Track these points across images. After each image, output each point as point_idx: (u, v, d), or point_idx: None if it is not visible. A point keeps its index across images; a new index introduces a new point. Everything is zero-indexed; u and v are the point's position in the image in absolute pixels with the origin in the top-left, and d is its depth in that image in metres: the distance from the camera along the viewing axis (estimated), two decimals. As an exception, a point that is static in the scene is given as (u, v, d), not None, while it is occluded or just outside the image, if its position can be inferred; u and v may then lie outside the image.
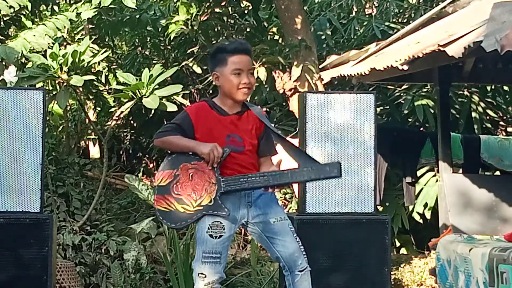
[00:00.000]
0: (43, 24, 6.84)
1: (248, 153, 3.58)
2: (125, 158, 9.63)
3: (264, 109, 7.83)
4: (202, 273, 3.49)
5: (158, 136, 3.57)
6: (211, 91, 8.31)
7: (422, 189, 6.79)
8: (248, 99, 3.72)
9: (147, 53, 9.47)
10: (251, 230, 3.62)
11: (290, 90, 6.56)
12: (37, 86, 5.83)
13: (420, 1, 9.16)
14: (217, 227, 3.47)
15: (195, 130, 3.54)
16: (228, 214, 3.45)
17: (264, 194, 3.58)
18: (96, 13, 7.23)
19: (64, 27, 7.09)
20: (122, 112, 6.46)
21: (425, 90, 7.46)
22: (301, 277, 3.54)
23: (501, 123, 7.99)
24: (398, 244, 7.14)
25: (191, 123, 3.54)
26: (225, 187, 3.45)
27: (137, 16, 8.23)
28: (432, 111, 7.06)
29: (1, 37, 7.26)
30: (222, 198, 3.46)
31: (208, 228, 3.47)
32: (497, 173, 6.35)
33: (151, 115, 8.53)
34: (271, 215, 3.56)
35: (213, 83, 3.63)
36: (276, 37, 8.84)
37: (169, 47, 9.00)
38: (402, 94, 7.55)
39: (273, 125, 3.68)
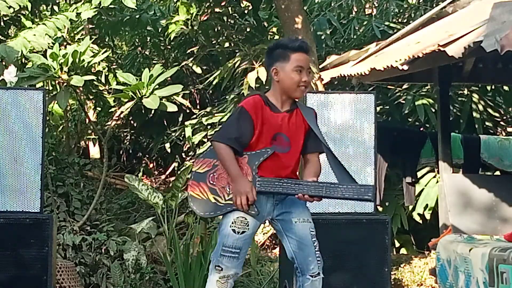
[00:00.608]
0: (43, 24, 6.85)
1: (293, 153, 3.55)
2: (125, 158, 9.64)
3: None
4: (219, 266, 3.48)
5: (218, 139, 3.51)
6: (211, 91, 8.32)
7: (422, 190, 6.79)
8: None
9: (147, 53, 9.48)
10: (274, 225, 3.62)
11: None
12: (37, 86, 5.83)
13: (420, 1, 9.16)
14: (241, 223, 3.46)
15: (255, 126, 3.49)
16: (257, 214, 3.45)
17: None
18: (96, 13, 7.24)
19: (64, 27, 7.09)
20: (122, 112, 6.46)
21: (425, 90, 7.46)
22: (312, 282, 3.53)
23: (501, 123, 7.99)
24: (398, 244, 7.14)
25: (252, 122, 3.49)
26: (259, 187, 3.44)
27: (137, 16, 8.24)
28: (433, 110, 7.06)
29: (1, 37, 7.27)
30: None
31: (232, 223, 3.46)
32: (497, 173, 6.35)
33: (151, 115, 8.53)
34: (294, 215, 3.55)
35: (273, 77, 3.57)
36: (276, 37, 8.84)
37: (169, 47, 9.01)
38: (402, 94, 7.55)
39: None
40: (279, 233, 3.63)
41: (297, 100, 3.62)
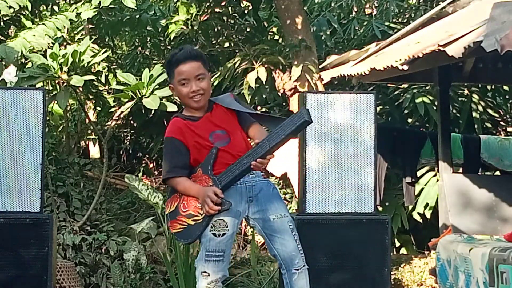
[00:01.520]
0: (43, 24, 6.84)
1: (236, 142, 3.58)
2: (125, 158, 9.64)
3: (262, 109, 7.83)
4: (205, 272, 3.50)
5: (167, 177, 3.59)
6: (211, 91, 8.31)
7: (422, 189, 6.79)
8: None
9: (147, 53, 9.47)
10: (252, 224, 3.64)
11: (290, 90, 6.57)
12: (37, 86, 5.83)
13: (420, 1, 9.16)
14: (220, 225, 3.49)
15: (187, 144, 3.56)
16: (230, 205, 3.46)
17: (266, 189, 3.60)
18: (96, 13, 7.23)
19: (64, 27, 7.09)
20: (122, 112, 6.46)
21: (425, 88, 7.46)
22: (298, 275, 3.56)
23: (501, 123, 7.99)
24: (398, 244, 7.14)
25: (182, 143, 3.56)
26: (220, 183, 3.47)
27: (137, 16, 8.24)
28: (434, 107, 7.06)
29: (1, 37, 7.26)
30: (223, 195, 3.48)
31: (211, 227, 3.49)
32: (497, 173, 6.35)
33: (151, 115, 8.53)
34: (271, 212, 3.57)
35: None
36: (276, 37, 8.84)
37: (169, 47, 9.00)
38: (402, 94, 7.55)
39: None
40: (259, 232, 3.64)
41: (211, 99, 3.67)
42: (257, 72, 6.59)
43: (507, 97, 8.07)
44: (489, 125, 7.70)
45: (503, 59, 5.71)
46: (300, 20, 6.64)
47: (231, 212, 3.50)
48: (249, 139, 3.68)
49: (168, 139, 3.61)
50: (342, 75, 6.03)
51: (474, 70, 6.01)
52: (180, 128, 3.59)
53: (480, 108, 7.58)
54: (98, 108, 8.26)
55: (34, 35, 6.62)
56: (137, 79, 6.11)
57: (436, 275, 5.27)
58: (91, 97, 6.95)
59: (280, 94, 6.89)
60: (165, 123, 8.69)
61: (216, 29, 8.16)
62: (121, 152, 9.63)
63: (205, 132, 3.57)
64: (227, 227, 3.49)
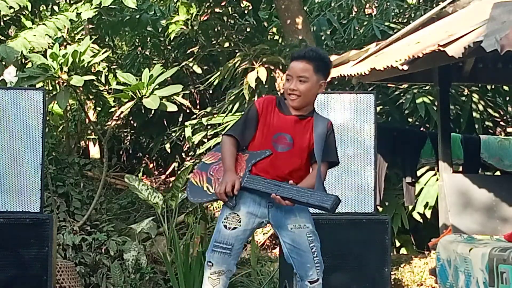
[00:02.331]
0: (43, 24, 6.85)
1: (294, 154, 3.54)
2: (125, 158, 9.64)
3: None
4: (210, 261, 3.52)
5: (225, 133, 3.65)
6: (211, 91, 8.33)
7: (422, 188, 6.79)
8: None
9: (147, 53, 9.48)
10: (274, 229, 3.64)
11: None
12: (37, 86, 5.83)
13: (420, 1, 9.16)
14: (233, 219, 3.50)
15: (259, 120, 3.58)
16: (233, 206, 3.47)
17: None
18: (96, 13, 7.23)
19: (64, 27, 7.09)
20: (122, 112, 6.46)
21: (426, 88, 7.46)
22: None
23: (501, 123, 7.99)
24: (398, 244, 7.14)
25: (257, 115, 3.58)
26: (245, 183, 3.48)
27: (137, 16, 8.25)
28: (434, 108, 7.05)
29: (1, 37, 7.27)
30: (241, 192, 3.48)
31: (225, 219, 3.51)
32: (497, 173, 6.35)
33: (151, 115, 8.53)
34: (290, 221, 3.54)
35: None
36: (276, 37, 8.85)
37: (169, 47, 9.01)
38: (402, 95, 7.55)
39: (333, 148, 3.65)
40: (279, 238, 3.65)
41: (315, 110, 3.64)
42: (257, 72, 6.59)
43: (507, 97, 8.07)
44: (489, 125, 7.70)
45: (503, 59, 5.70)
46: (300, 20, 6.64)
47: (246, 210, 3.50)
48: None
49: (252, 106, 3.64)
50: (342, 75, 6.02)
51: (474, 70, 6.01)
52: (267, 106, 3.60)
53: (480, 108, 7.58)
54: (98, 108, 8.26)
55: (34, 35, 6.62)
56: (137, 79, 6.11)
57: (436, 275, 5.27)
58: (91, 97, 6.96)
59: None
60: (165, 123, 8.70)
61: (216, 29, 8.17)
62: (121, 152, 9.63)
63: (278, 128, 3.56)
64: (239, 222, 3.49)
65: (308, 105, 3.60)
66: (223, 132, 3.67)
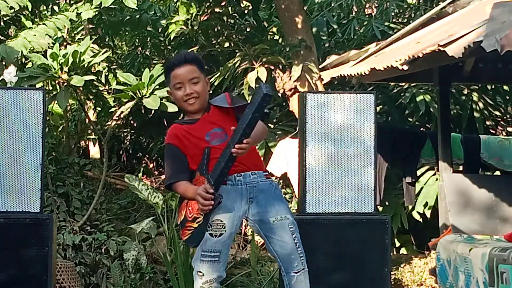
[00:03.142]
0: (43, 24, 6.85)
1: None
2: (125, 158, 9.64)
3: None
4: (200, 271, 3.51)
5: (167, 187, 3.66)
6: (211, 91, 8.32)
7: (422, 188, 6.79)
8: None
9: (147, 53, 9.48)
10: (251, 225, 3.64)
11: (290, 90, 6.57)
12: (37, 86, 5.83)
13: (420, 1, 9.16)
14: (217, 226, 3.49)
15: (185, 152, 3.59)
16: (221, 198, 3.44)
17: (267, 190, 3.59)
18: (96, 13, 7.23)
19: (64, 27, 7.09)
20: (122, 112, 6.46)
21: (426, 89, 7.47)
22: (297, 278, 3.56)
23: (502, 122, 7.99)
24: (398, 244, 7.14)
25: (178, 150, 3.59)
26: (212, 179, 3.47)
27: (138, 16, 8.25)
28: (435, 105, 7.06)
29: (1, 37, 7.27)
30: (219, 192, 3.47)
31: (209, 227, 3.49)
32: (497, 173, 6.35)
33: (151, 115, 8.54)
34: (271, 214, 3.55)
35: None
36: (276, 37, 8.85)
37: (169, 47, 9.01)
38: (402, 94, 7.55)
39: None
40: (258, 233, 3.64)
41: (209, 101, 3.67)
42: (257, 72, 6.59)
43: (507, 97, 8.07)
44: (489, 124, 7.70)
45: (503, 59, 5.70)
46: (300, 20, 6.64)
47: (229, 213, 3.49)
48: None
49: (166, 146, 3.67)
50: (342, 75, 6.02)
51: (474, 70, 6.01)
52: (176, 134, 3.62)
53: (480, 108, 7.59)
54: (98, 108, 8.26)
55: (35, 35, 6.62)
56: (137, 79, 6.11)
57: (436, 275, 5.27)
58: (91, 97, 6.95)
59: (280, 94, 6.89)
60: (165, 123, 8.70)
61: (216, 29, 8.17)
62: (121, 152, 9.63)
63: (202, 132, 3.58)
64: (224, 227, 3.49)
65: (205, 105, 3.64)
66: (167, 185, 3.66)
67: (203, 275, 3.50)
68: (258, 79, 6.59)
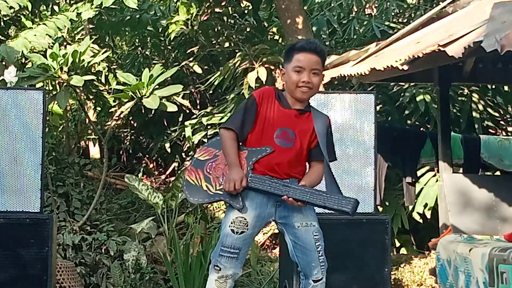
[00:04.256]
0: (44, 24, 6.85)
1: (296, 150, 3.50)
2: (125, 158, 9.64)
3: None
4: (217, 266, 3.48)
5: (223, 125, 3.56)
6: (211, 91, 8.33)
7: (422, 189, 6.79)
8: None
9: (147, 53, 9.49)
10: (279, 228, 3.60)
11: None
12: (37, 86, 5.83)
13: (420, 1, 9.16)
14: (240, 223, 3.45)
15: (258, 112, 3.50)
16: (240, 208, 3.42)
17: None
18: (96, 13, 7.24)
19: (65, 27, 7.09)
20: (122, 112, 6.46)
21: (426, 89, 7.47)
22: (313, 287, 3.53)
23: (501, 122, 7.99)
24: (398, 244, 7.14)
25: (256, 107, 3.50)
26: (250, 183, 3.42)
27: (138, 16, 8.25)
28: (435, 105, 7.06)
29: (2, 37, 7.27)
30: (246, 192, 3.44)
31: (231, 223, 3.45)
32: (497, 173, 6.35)
33: (151, 115, 8.54)
34: (296, 219, 3.51)
35: (282, 78, 3.60)
36: (276, 37, 8.85)
37: (169, 47, 9.01)
38: (402, 94, 7.55)
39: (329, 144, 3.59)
40: (284, 237, 3.61)
41: (311, 104, 3.60)
42: (257, 72, 6.60)
43: (507, 97, 8.07)
44: (489, 125, 7.70)
45: (503, 59, 5.70)
46: (300, 20, 6.64)
47: (254, 212, 3.45)
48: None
49: (250, 98, 3.56)
50: (342, 75, 6.02)
51: (474, 70, 6.00)
52: (267, 98, 3.53)
53: (480, 108, 7.59)
54: (98, 108, 8.27)
55: (35, 35, 6.63)
56: (137, 79, 6.11)
57: (436, 275, 5.27)
58: (91, 97, 6.96)
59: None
60: (165, 123, 8.71)
61: (216, 29, 8.17)
62: (121, 152, 9.63)
63: (280, 122, 3.49)
64: (247, 226, 3.45)
65: (309, 99, 3.58)
66: (220, 125, 3.57)
67: (220, 269, 3.47)
68: (258, 79, 6.60)
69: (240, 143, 3.52)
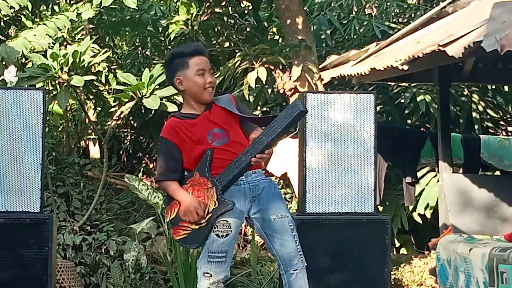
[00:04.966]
0: (44, 24, 6.85)
1: (234, 141, 3.56)
2: (125, 158, 9.64)
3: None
4: (207, 273, 3.50)
5: (159, 179, 3.64)
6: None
7: (423, 189, 6.79)
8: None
9: (147, 53, 9.48)
10: (251, 223, 3.64)
11: (290, 90, 6.57)
12: (37, 86, 5.83)
13: (420, 1, 9.16)
14: (224, 226, 3.48)
15: (181, 148, 3.56)
16: (233, 205, 3.46)
17: (268, 188, 3.59)
18: (96, 13, 7.23)
19: (65, 27, 7.09)
20: (122, 112, 6.46)
21: (427, 89, 7.47)
22: (296, 275, 3.57)
23: (501, 123, 7.99)
24: (398, 244, 7.14)
25: (175, 147, 3.56)
26: (220, 183, 3.47)
27: (138, 16, 8.25)
28: (435, 105, 7.06)
29: (2, 37, 7.27)
30: (225, 196, 3.48)
31: (215, 228, 3.49)
32: (497, 173, 6.35)
33: (151, 115, 8.54)
34: (272, 212, 3.56)
35: (178, 87, 3.64)
36: (276, 37, 8.85)
37: (170, 47, 9.00)
38: (402, 94, 7.55)
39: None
40: (258, 232, 3.64)
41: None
42: (257, 72, 6.59)
43: (507, 97, 8.07)
44: (489, 125, 7.70)
45: (503, 59, 5.71)
46: (300, 20, 6.64)
47: (234, 213, 3.49)
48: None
49: (162, 140, 3.64)
50: (342, 75, 6.02)
51: (474, 70, 6.01)
52: (174, 129, 3.58)
53: (480, 108, 7.58)
54: (98, 108, 8.27)
55: (35, 35, 6.62)
56: (137, 79, 6.11)
57: (436, 275, 5.27)
58: (91, 97, 6.96)
59: (280, 94, 6.89)
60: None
61: (216, 29, 8.17)
62: (121, 152, 9.63)
63: (203, 131, 3.56)
64: (230, 228, 3.49)
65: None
66: (157, 179, 3.65)
67: (211, 276, 3.50)
68: (258, 79, 6.59)
69: (186, 173, 3.57)
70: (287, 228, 3.57)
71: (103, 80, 6.76)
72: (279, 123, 3.38)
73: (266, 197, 3.55)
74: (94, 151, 9.00)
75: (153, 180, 9.00)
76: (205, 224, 3.50)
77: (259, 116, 3.65)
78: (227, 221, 3.48)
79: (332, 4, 8.82)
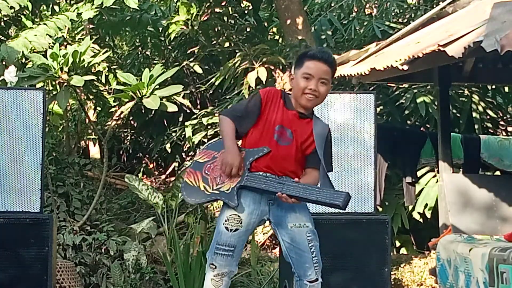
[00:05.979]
0: (44, 24, 6.85)
1: (292, 150, 3.51)
2: (125, 158, 9.64)
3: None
4: (212, 264, 3.50)
5: (224, 113, 3.60)
6: (211, 91, 8.34)
7: (422, 189, 6.79)
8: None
9: (147, 53, 9.49)
10: (273, 228, 3.61)
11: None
12: (37, 86, 5.83)
13: (420, 1, 9.16)
14: (234, 220, 3.46)
15: (261, 111, 3.53)
16: (235, 206, 3.44)
17: None
18: (96, 13, 7.24)
19: (65, 27, 7.09)
20: (122, 112, 6.46)
21: (427, 88, 7.47)
22: (310, 287, 3.53)
23: (501, 123, 7.99)
24: (398, 244, 7.14)
25: (260, 106, 3.53)
26: (245, 181, 3.45)
27: (138, 16, 8.26)
28: (435, 107, 7.06)
29: (2, 37, 7.27)
30: (240, 191, 3.46)
31: (225, 221, 3.47)
32: (497, 173, 6.35)
33: (151, 115, 8.54)
34: (290, 219, 3.51)
35: (290, 83, 3.64)
36: (276, 37, 8.86)
37: (170, 47, 9.02)
38: (402, 94, 7.55)
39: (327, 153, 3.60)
40: (277, 237, 3.62)
41: (314, 113, 3.61)
42: (257, 72, 6.60)
43: (507, 97, 8.07)
44: (489, 125, 7.70)
45: (503, 59, 5.71)
46: (300, 20, 6.65)
47: (247, 209, 3.46)
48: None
49: (256, 96, 3.58)
50: (342, 75, 6.02)
51: (474, 70, 6.01)
52: (273, 98, 3.56)
53: (480, 108, 7.58)
54: (98, 108, 8.27)
55: (35, 35, 6.63)
56: (137, 79, 6.11)
57: (436, 275, 5.27)
58: (91, 97, 6.96)
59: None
60: (165, 123, 8.71)
61: (216, 29, 8.18)
62: (121, 152, 9.63)
63: (281, 121, 3.51)
64: (241, 223, 3.46)
65: (312, 108, 3.60)
66: (223, 113, 3.60)
67: (215, 267, 3.49)
68: (258, 79, 6.60)
69: (240, 143, 3.55)
70: (303, 238, 3.51)
71: (103, 80, 6.77)
72: (318, 194, 3.37)
73: (287, 204, 3.47)
74: (94, 151, 9.00)
75: (153, 180, 9.01)
76: (208, 194, 3.49)
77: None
78: (238, 216, 3.46)
79: (333, 5, 8.82)
